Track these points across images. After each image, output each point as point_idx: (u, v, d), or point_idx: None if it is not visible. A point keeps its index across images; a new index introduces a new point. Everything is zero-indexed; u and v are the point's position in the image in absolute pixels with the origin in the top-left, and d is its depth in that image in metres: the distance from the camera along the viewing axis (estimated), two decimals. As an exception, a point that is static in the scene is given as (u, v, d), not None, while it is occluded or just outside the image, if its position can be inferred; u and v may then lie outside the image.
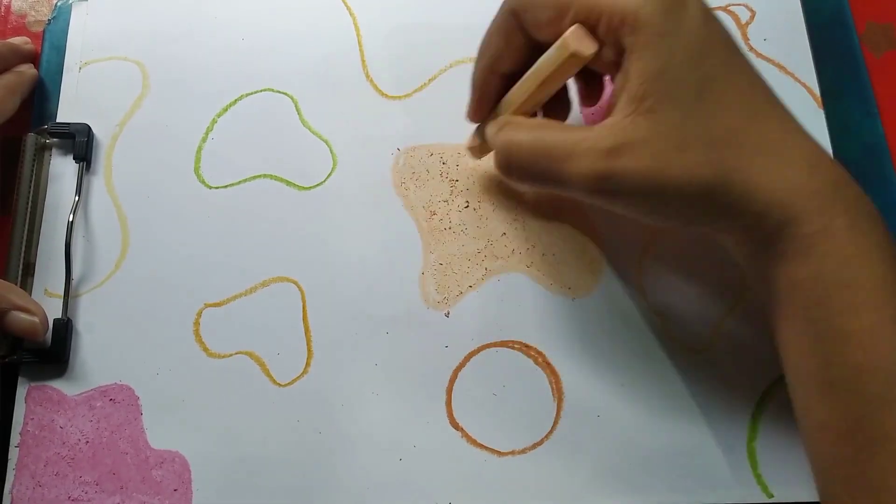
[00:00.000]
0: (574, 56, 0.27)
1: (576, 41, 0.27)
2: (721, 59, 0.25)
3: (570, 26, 0.27)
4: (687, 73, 0.24)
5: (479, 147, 0.34)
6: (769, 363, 0.34)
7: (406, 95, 0.39)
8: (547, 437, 0.34)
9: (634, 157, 0.25)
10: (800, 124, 0.27)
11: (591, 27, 0.26)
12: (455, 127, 0.38)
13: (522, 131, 0.28)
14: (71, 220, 0.36)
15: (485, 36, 0.31)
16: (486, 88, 0.32)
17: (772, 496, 0.32)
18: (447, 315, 0.35)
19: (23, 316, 0.33)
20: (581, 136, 0.26)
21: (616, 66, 0.26)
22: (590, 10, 0.26)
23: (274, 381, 0.34)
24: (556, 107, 0.33)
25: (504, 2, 0.29)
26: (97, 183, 0.37)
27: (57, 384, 0.34)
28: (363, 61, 0.39)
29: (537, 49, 0.29)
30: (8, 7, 0.41)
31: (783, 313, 0.26)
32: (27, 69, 0.38)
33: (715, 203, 0.25)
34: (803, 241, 0.24)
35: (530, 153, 0.28)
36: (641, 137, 0.25)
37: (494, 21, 0.30)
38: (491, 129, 0.31)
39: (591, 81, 0.33)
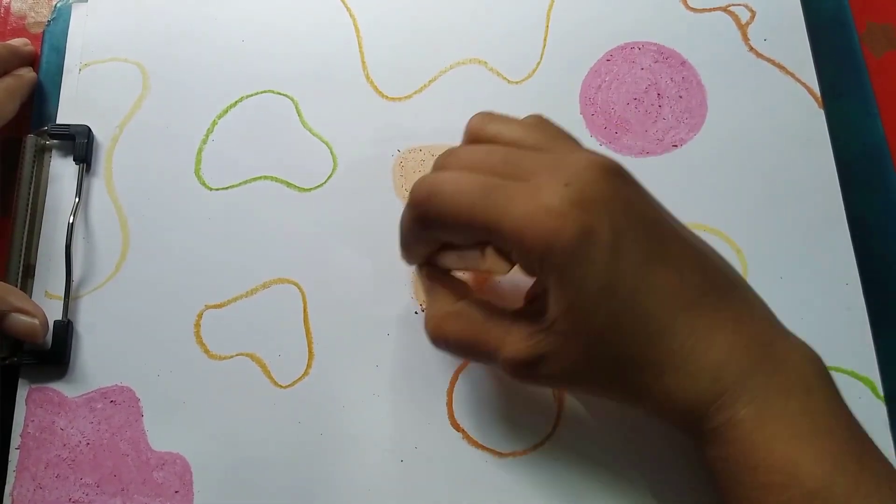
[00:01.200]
0: (490, 272, 0.28)
1: (491, 262, 0.27)
2: (631, 285, 0.25)
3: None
4: (595, 308, 0.25)
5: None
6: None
7: (406, 97, 0.39)
8: (548, 438, 0.34)
9: (549, 366, 0.26)
10: (721, 314, 0.26)
11: (507, 252, 0.26)
12: (456, 128, 0.38)
13: (449, 322, 0.29)
14: (71, 221, 0.36)
15: (401, 243, 0.30)
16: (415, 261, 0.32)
17: (773, 497, 0.32)
18: (448, 316, 0.35)
19: (23, 318, 0.33)
20: (500, 342, 0.27)
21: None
22: (504, 242, 0.26)
23: (275, 383, 0.34)
24: None
25: (412, 216, 0.28)
26: (97, 184, 0.37)
27: (57, 386, 0.34)
28: (363, 63, 0.39)
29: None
30: (7, 8, 0.41)
31: (717, 483, 0.27)
32: (26, 72, 0.38)
33: (621, 398, 0.27)
34: (711, 433, 0.26)
35: (457, 343, 0.29)
36: (555, 353, 0.26)
37: (409, 226, 0.29)
38: (422, 280, 0.32)
39: None
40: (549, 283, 0.25)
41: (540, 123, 0.29)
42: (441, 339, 0.30)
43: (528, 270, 0.26)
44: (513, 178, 0.26)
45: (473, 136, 0.30)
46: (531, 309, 0.27)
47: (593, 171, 0.25)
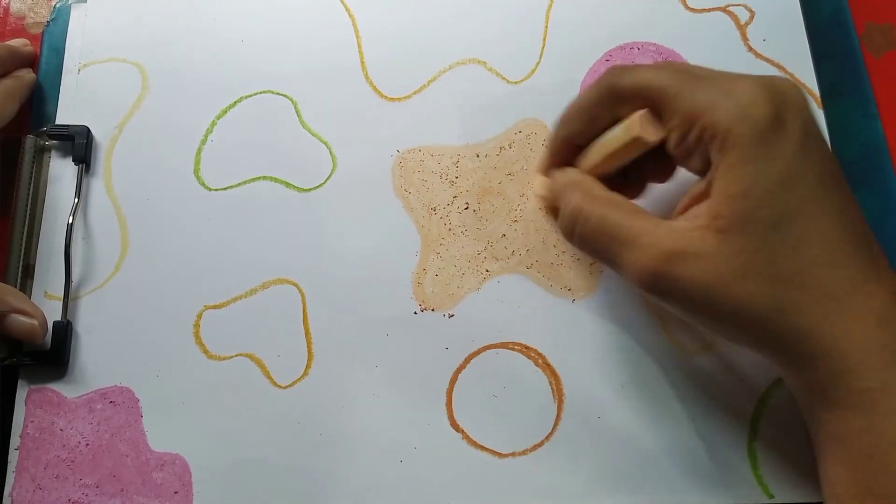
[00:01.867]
0: (637, 140, 0.27)
1: (641, 127, 0.27)
2: (809, 193, 0.24)
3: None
4: (767, 204, 0.23)
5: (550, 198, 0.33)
6: (769, 364, 0.34)
7: (406, 97, 0.39)
8: (547, 438, 0.34)
9: (692, 268, 0.24)
10: (885, 270, 0.25)
11: (686, 130, 0.26)
12: (455, 128, 0.38)
13: (593, 204, 0.28)
14: (70, 222, 0.36)
15: (572, 107, 0.30)
16: (560, 154, 0.32)
17: (772, 496, 0.32)
18: (447, 316, 0.35)
19: (22, 319, 0.33)
20: (645, 229, 0.26)
21: (694, 163, 0.27)
22: (687, 114, 0.25)
23: (274, 383, 0.34)
24: (631, 178, 0.32)
25: (604, 81, 0.29)
26: (97, 185, 0.37)
27: (57, 386, 0.34)
28: (363, 63, 0.39)
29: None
30: (6, 9, 0.41)
31: (831, 455, 0.25)
32: (26, 73, 0.38)
33: (766, 335, 0.25)
34: (860, 395, 0.23)
35: (594, 229, 0.28)
36: (705, 252, 0.24)
37: (587, 97, 0.29)
38: (560, 179, 0.31)
39: (663, 161, 0.31)
40: (722, 163, 0.24)
41: None
42: (580, 219, 0.28)
43: (702, 153, 0.25)
44: (705, 71, 0.27)
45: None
46: (685, 215, 0.26)
47: (790, 83, 0.25)
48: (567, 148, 0.31)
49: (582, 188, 0.29)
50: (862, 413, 0.23)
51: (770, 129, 0.23)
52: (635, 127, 0.27)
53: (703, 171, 0.26)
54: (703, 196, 0.25)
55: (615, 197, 0.28)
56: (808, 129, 0.24)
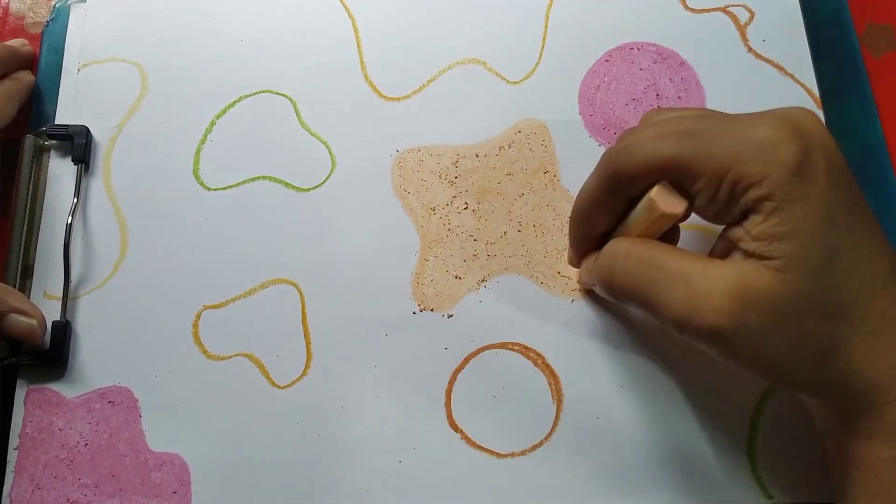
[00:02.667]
0: (664, 216, 0.26)
1: (662, 203, 0.26)
2: (847, 224, 0.24)
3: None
4: (816, 240, 0.23)
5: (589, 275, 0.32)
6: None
7: (405, 97, 0.39)
8: (546, 438, 0.34)
9: (754, 306, 0.24)
10: None
11: (714, 189, 0.25)
12: (454, 128, 0.38)
13: (638, 244, 0.27)
14: (70, 221, 0.36)
15: (582, 203, 0.29)
16: (584, 247, 0.31)
17: (771, 497, 0.32)
18: (446, 317, 0.35)
19: (21, 318, 0.33)
20: (697, 266, 0.25)
21: (725, 217, 0.26)
22: (712, 174, 0.24)
23: (273, 383, 0.34)
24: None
25: (606, 170, 0.27)
26: (96, 185, 0.37)
27: (56, 386, 0.34)
28: (362, 63, 0.39)
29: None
30: (6, 9, 0.41)
31: (855, 480, 0.25)
32: (25, 75, 0.38)
33: (811, 374, 0.25)
34: (892, 426, 0.24)
35: (640, 262, 0.27)
36: (765, 290, 0.24)
37: (594, 190, 0.28)
38: (590, 262, 0.30)
39: None
40: (763, 208, 0.24)
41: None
42: (626, 256, 0.27)
43: (730, 199, 0.25)
44: (717, 118, 0.26)
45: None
46: (729, 259, 0.25)
47: (806, 112, 0.25)
48: (590, 241, 0.30)
49: (625, 241, 0.28)
50: (888, 442, 0.24)
51: (801, 167, 0.23)
52: (657, 206, 0.26)
53: (735, 221, 0.25)
54: (740, 241, 0.25)
55: (654, 241, 0.27)
56: (832, 158, 0.24)
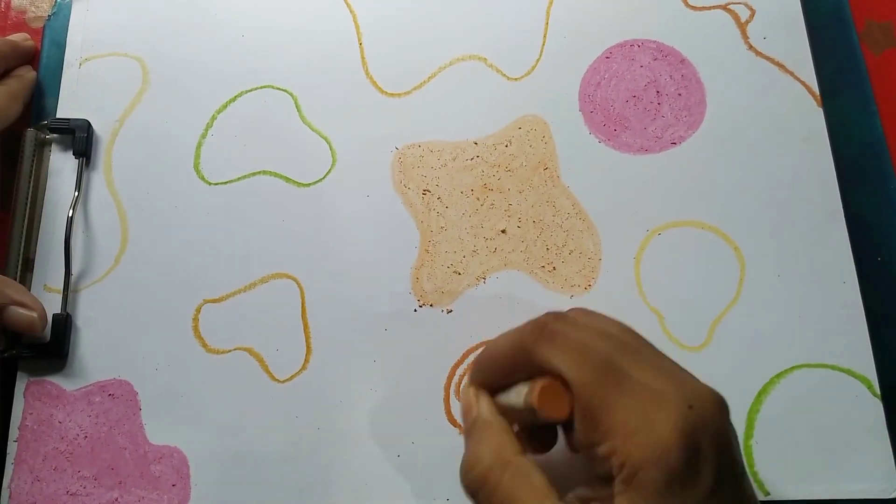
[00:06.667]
0: (534, 411, 0.25)
1: (539, 402, 0.24)
2: None
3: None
4: None
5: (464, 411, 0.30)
6: (766, 361, 0.34)
7: (406, 93, 0.39)
8: (545, 433, 0.34)
9: None
10: None
11: (594, 441, 0.24)
12: (454, 125, 0.38)
13: (503, 472, 0.25)
14: (70, 215, 0.36)
15: (488, 354, 0.28)
16: (483, 384, 0.29)
17: (767, 494, 0.32)
18: (446, 312, 0.35)
19: (21, 311, 0.33)
20: None
21: (594, 464, 0.24)
22: (602, 429, 0.24)
23: (273, 377, 0.35)
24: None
25: (523, 341, 0.26)
26: (97, 178, 0.37)
27: (56, 379, 0.35)
28: (363, 59, 0.39)
29: None
30: (8, 3, 0.41)
31: None
32: (27, 72, 0.38)
33: None
34: None
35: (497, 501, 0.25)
36: None
37: (501, 351, 0.27)
38: (475, 408, 0.28)
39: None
40: (625, 495, 0.23)
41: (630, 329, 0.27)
42: (487, 484, 0.25)
43: (599, 459, 0.24)
44: (631, 368, 0.24)
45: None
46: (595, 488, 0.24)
47: (716, 405, 0.24)
48: (484, 384, 0.29)
49: (495, 444, 0.26)
50: None
51: (682, 474, 0.23)
52: (533, 399, 0.25)
53: (597, 469, 0.24)
54: (608, 500, 0.24)
55: (524, 469, 0.25)
56: (722, 470, 0.23)
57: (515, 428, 0.28)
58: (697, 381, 0.25)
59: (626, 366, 0.24)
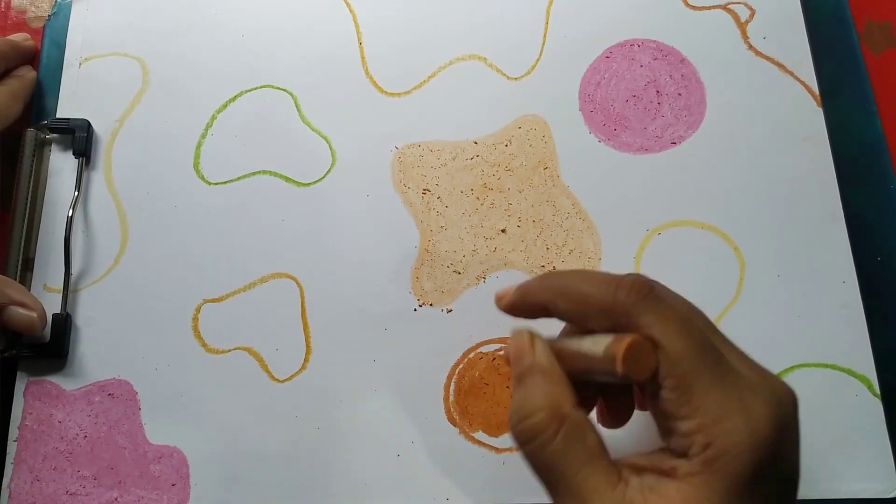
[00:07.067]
0: (614, 370, 0.23)
1: (630, 360, 0.23)
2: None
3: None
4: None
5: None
6: (766, 361, 0.34)
7: (406, 92, 0.39)
8: (545, 433, 0.34)
9: None
10: None
11: (683, 414, 0.23)
12: (454, 124, 0.38)
13: (554, 432, 0.24)
14: (70, 215, 0.36)
15: (566, 281, 0.26)
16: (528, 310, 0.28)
17: (769, 493, 0.32)
18: (446, 311, 0.35)
19: (21, 311, 0.33)
20: (597, 492, 0.23)
21: (662, 421, 0.24)
22: (695, 405, 0.23)
23: (272, 377, 0.35)
24: (619, 399, 0.29)
25: (622, 297, 0.24)
26: (97, 178, 0.37)
27: (56, 379, 0.35)
28: (363, 58, 0.39)
29: None
30: (8, 3, 0.41)
31: None
32: (27, 72, 0.38)
33: None
34: None
35: (545, 462, 0.24)
36: None
37: (589, 288, 0.25)
38: (532, 350, 0.26)
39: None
40: (710, 470, 0.22)
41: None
42: (538, 439, 0.24)
43: (684, 437, 0.23)
44: (725, 350, 0.24)
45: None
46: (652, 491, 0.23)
47: (796, 404, 0.24)
48: (540, 312, 0.27)
49: (551, 395, 0.24)
50: None
51: (768, 467, 0.22)
52: (619, 351, 0.23)
53: (675, 447, 0.24)
54: (672, 474, 0.23)
55: (580, 426, 0.24)
56: (796, 468, 0.24)
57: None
58: (778, 377, 0.25)
59: (723, 349, 0.24)
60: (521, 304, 0.27)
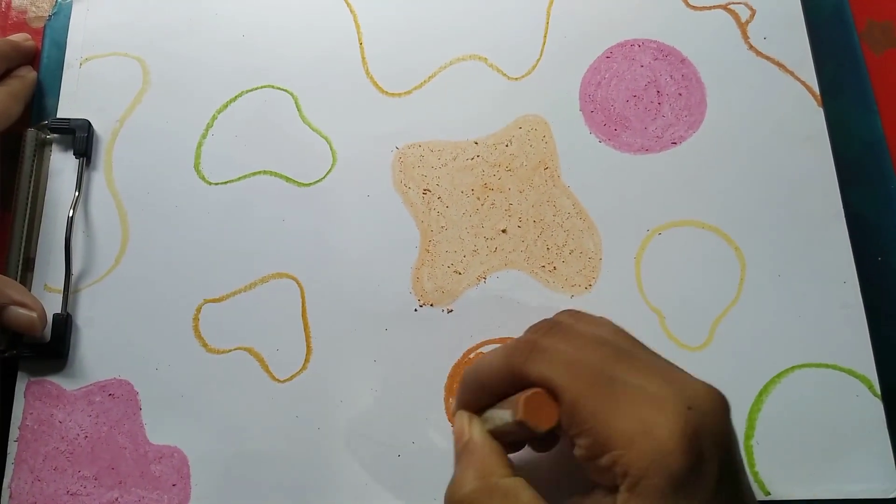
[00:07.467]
0: (523, 424, 0.24)
1: (526, 412, 0.24)
2: None
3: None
4: None
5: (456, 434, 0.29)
6: (766, 361, 0.34)
7: (406, 93, 0.39)
8: (545, 433, 0.34)
9: None
10: None
11: (595, 452, 0.23)
12: (455, 124, 0.38)
13: (488, 500, 0.25)
14: (71, 215, 0.36)
15: (474, 375, 0.28)
16: (469, 405, 0.29)
17: (768, 493, 0.32)
18: (446, 312, 0.35)
19: (21, 311, 0.33)
20: None
21: (595, 475, 0.24)
22: (601, 440, 0.23)
23: (273, 377, 0.35)
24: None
25: (507, 362, 0.26)
26: (97, 178, 0.37)
27: (56, 379, 0.35)
28: (363, 58, 0.39)
29: None
30: (8, 3, 0.41)
31: None
32: (28, 73, 0.38)
33: None
34: None
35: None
36: None
37: (488, 372, 0.27)
38: (467, 430, 0.28)
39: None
40: (633, 496, 0.23)
41: (622, 331, 0.27)
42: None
43: (601, 469, 0.23)
44: (626, 374, 0.24)
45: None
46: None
47: (715, 403, 0.24)
48: (473, 404, 0.29)
49: (481, 468, 0.26)
50: None
51: (686, 477, 0.22)
52: (520, 411, 0.24)
53: (599, 477, 0.24)
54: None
55: (512, 491, 0.25)
56: (724, 468, 0.23)
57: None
58: (695, 379, 0.25)
59: (621, 372, 0.24)
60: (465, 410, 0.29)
